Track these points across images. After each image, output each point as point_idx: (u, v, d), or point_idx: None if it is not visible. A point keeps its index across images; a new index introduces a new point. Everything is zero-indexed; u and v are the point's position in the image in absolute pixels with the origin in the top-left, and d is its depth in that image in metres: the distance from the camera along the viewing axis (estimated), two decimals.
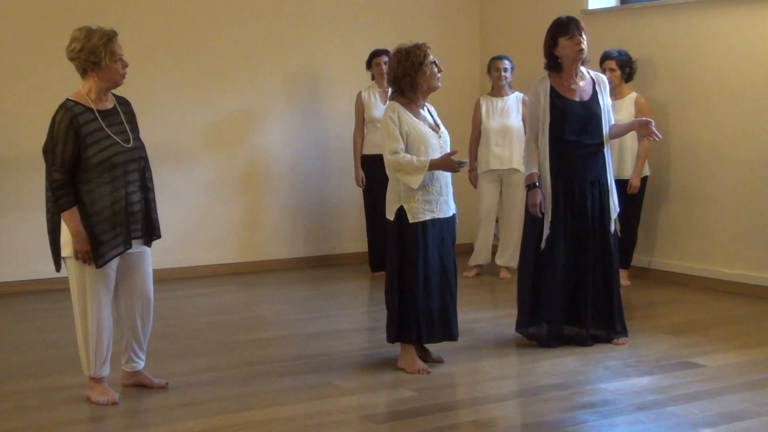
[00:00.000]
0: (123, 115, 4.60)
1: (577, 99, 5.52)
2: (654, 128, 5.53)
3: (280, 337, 5.97)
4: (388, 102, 5.17)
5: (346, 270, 8.33)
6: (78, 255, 4.44)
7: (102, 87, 4.51)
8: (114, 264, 4.56)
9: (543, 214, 5.52)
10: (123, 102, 4.67)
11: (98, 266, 4.46)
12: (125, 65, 4.53)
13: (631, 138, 6.94)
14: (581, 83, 5.56)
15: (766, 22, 6.89)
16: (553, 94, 5.52)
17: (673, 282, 7.49)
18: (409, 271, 5.03)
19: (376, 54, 7.81)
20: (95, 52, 4.42)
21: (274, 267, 8.33)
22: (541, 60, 5.61)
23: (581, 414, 4.44)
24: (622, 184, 6.88)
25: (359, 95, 7.86)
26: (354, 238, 8.64)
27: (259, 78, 8.25)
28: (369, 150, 7.71)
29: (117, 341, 4.76)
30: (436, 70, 5.03)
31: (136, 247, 4.62)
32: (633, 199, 7.21)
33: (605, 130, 5.59)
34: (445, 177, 5.11)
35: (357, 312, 6.89)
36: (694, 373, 5.04)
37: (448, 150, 5.09)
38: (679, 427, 4.27)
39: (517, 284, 5.79)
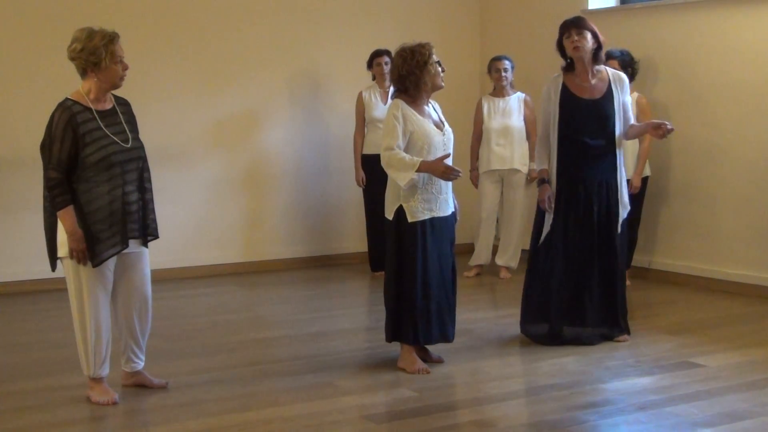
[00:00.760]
0: (122, 115, 4.59)
1: (587, 97, 5.50)
2: (668, 128, 5.45)
3: (280, 337, 5.97)
4: (392, 100, 5.16)
5: (346, 270, 8.33)
6: (73, 254, 4.43)
7: (101, 88, 4.51)
8: (111, 264, 4.55)
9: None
10: (122, 102, 4.67)
11: (94, 265, 4.46)
12: (125, 68, 4.52)
13: None
14: (594, 81, 5.54)
15: (767, 22, 6.89)
16: (564, 92, 5.52)
17: (673, 282, 7.49)
18: (408, 271, 5.02)
19: (377, 54, 7.82)
20: (96, 53, 4.41)
21: (274, 267, 8.33)
22: (541, 59, 5.65)
23: (581, 414, 4.43)
24: None
25: (360, 95, 7.86)
26: (354, 238, 8.64)
27: (259, 78, 8.25)
28: (369, 150, 7.70)
29: (116, 341, 4.76)
30: (439, 69, 5.04)
31: (134, 247, 4.61)
32: (634, 199, 7.19)
33: (618, 130, 5.53)
34: None
35: (357, 312, 6.89)
36: (694, 373, 5.04)
37: (451, 148, 5.08)
38: (679, 427, 4.27)
39: (524, 281, 5.80)
